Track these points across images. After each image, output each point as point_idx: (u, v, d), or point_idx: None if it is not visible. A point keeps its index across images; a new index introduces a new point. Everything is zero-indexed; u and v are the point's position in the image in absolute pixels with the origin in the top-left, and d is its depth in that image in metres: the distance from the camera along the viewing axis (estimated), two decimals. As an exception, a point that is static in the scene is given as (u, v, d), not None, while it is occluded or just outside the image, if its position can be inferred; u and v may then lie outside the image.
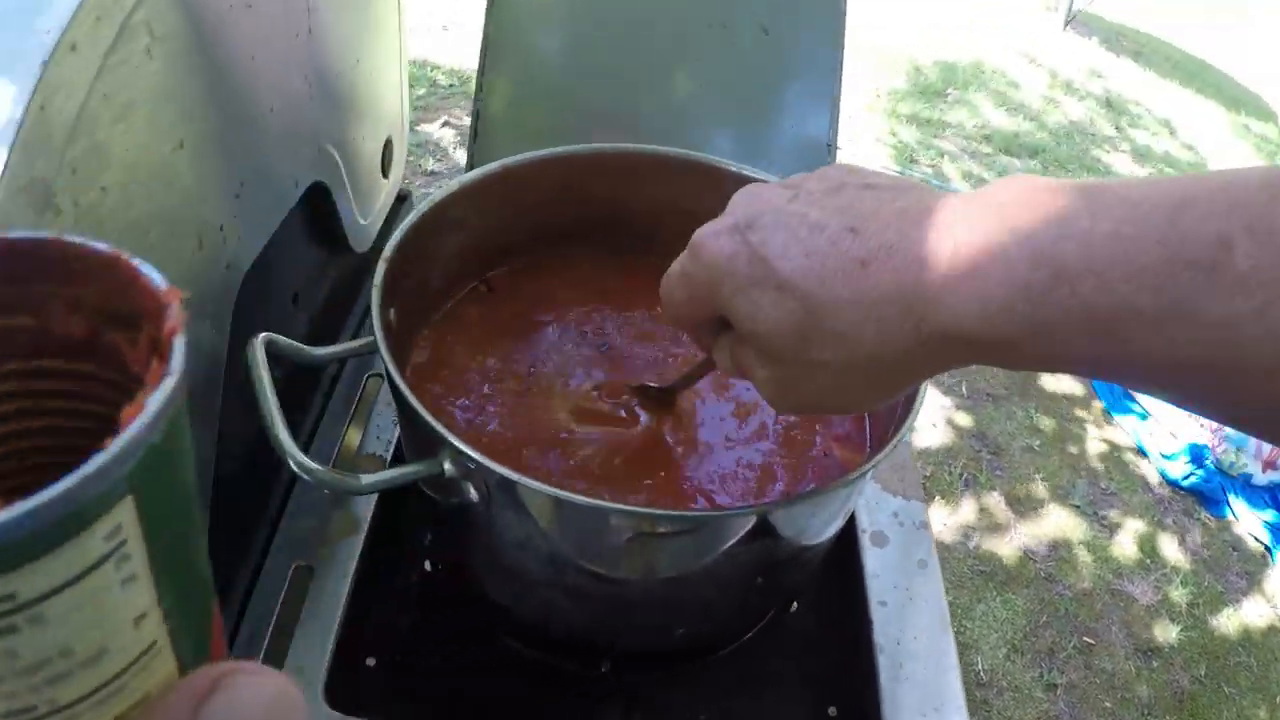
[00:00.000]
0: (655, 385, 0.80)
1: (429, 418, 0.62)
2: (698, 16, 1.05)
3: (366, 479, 0.65)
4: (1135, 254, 0.38)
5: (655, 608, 0.74)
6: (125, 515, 0.19)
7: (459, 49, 4.11)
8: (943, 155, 4.26)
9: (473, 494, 0.64)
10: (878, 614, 0.86)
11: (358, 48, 0.98)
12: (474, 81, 1.08)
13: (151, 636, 0.22)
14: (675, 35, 1.05)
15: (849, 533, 0.91)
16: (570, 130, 1.08)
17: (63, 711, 0.21)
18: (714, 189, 0.87)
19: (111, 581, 0.20)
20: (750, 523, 0.64)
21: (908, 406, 0.71)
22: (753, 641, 0.87)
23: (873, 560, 0.89)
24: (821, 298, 0.47)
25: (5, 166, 0.50)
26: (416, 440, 0.72)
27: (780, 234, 0.49)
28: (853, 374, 0.49)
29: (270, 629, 0.80)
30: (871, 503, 0.94)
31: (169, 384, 0.20)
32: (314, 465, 0.64)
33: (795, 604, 0.91)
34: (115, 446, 0.19)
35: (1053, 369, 0.45)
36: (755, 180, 0.86)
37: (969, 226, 0.43)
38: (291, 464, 0.64)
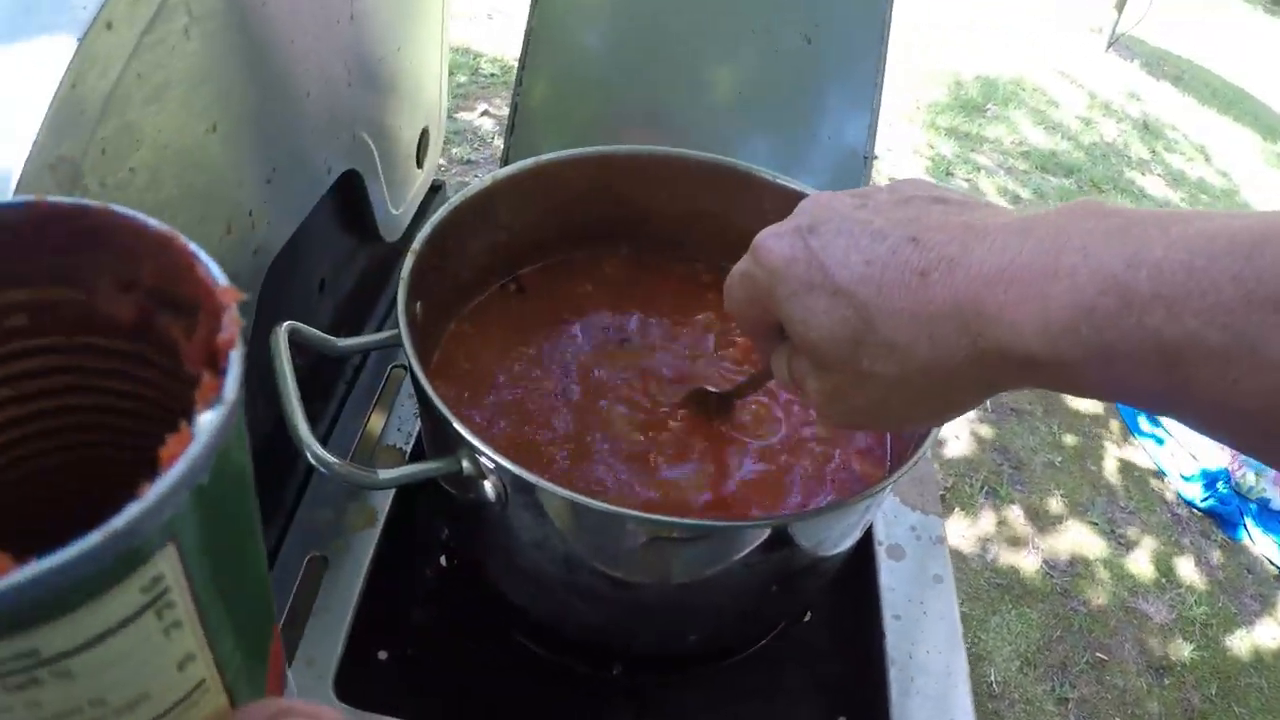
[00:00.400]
0: (715, 391, 0.80)
1: (449, 416, 0.62)
2: (740, 22, 1.04)
3: (384, 474, 0.65)
4: (1208, 288, 0.37)
5: (670, 612, 0.74)
6: (167, 564, 0.18)
7: (503, 37, 4.12)
8: (979, 170, 4.24)
9: (490, 493, 0.64)
10: (891, 627, 0.85)
11: (400, 34, 0.98)
12: (514, 73, 1.08)
13: (199, 676, 0.20)
14: (717, 39, 1.05)
15: (866, 545, 0.91)
16: (607, 129, 1.07)
17: None
18: (747, 195, 0.88)
19: (151, 631, 0.18)
20: (766, 534, 0.63)
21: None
22: (765, 649, 0.87)
23: (888, 573, 0.89)
24: (878, 306, 0.46)
25: (34, 143, 0.50)
26: (436, 437, 0.72)
27: (841, 239, 0.49)
28: (904, 389, 0.48)
29: (282, 619, 0.80)
30: (889, 516, 0.94)
31: (218, 415, 0.19)
32: (331, 458, 0.64)
33: (809, 614, 0.90)
34: (152, 495, 0.17)
35: (1111, 398, 0.44)
36: (789, 189, 0.86)
37: (1036, 245, 0.42)
38: (309, 456, 0.63)
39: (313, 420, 0.66)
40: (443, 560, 0.90)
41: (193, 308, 0.22)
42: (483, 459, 0.62)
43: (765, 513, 0.75)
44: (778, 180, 0.88)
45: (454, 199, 0.81)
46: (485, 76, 3.92)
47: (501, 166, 0.88)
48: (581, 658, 0.83)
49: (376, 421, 0.97)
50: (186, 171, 0.64)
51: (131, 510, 0.17)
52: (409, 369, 0.68)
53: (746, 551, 0.65)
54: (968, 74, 5.10)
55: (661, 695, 0.84)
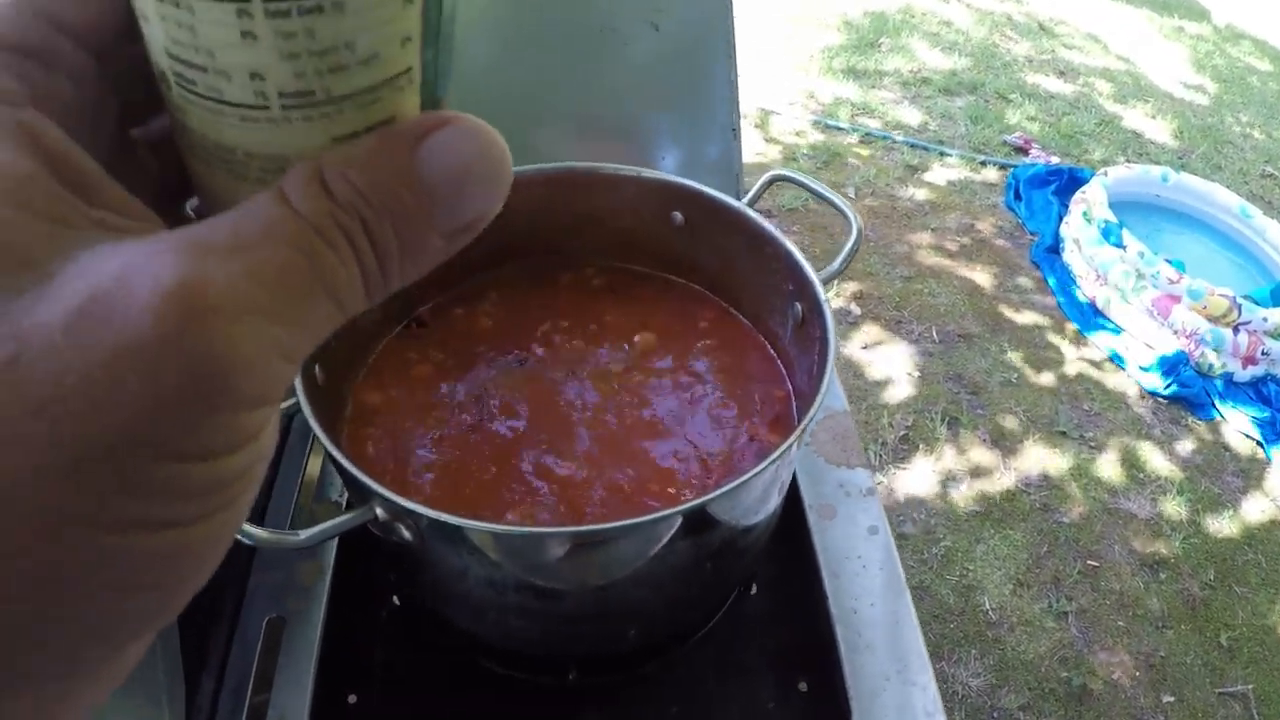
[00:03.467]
0: None
1: (349, 465, 0.64)
2: (586, 22, 1.06)
3: (305, 533, 0.67)
4: None
5: (602, 614, 0.76)
6: None
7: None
8: (884, 104, 4.26)
9: (407, 534, 0.66)
10: (831, 585, 0.88)
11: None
12: None
13: (409, 62, 0.24)
14: (566, 44, 1.07)
15: (795, 509, 0.94)
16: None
17: (332, 102, 0.23)
18: (614, 194, 0.90)
19: None
20: (676, 523, 0.66)
21: (819, 379, 0.73)
22: (716, 629, 0.89)
23: (820, 534, 0.92)
24: None
25: None
26: (351, 488, 0.74)
27: None
28: None
29: (250, 684, 0.82)
30: (814, 476, 0.96)
31: None
32: (252, 529, 0.66)
33: (755, 588, 0.93)
34: None
35: None
36: (652, 180, 0.89)
37: None
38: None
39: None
40: (395, 599, 0.92)
41: None
42: (389, 503, 0.64)
43: (681, 499, 0.77)
44: (642, 175, 0.90)
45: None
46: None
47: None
48: (538, 670, 0.86)
49: (313, 474, 0.99)
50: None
51: None
52: (313, 430, 0.70)
53: (660, 544, 0.67)
54: (855, 12, 5.10)
55: (624, 693, 0.86)
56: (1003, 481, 2.55)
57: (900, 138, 3.98)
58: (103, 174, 0.23)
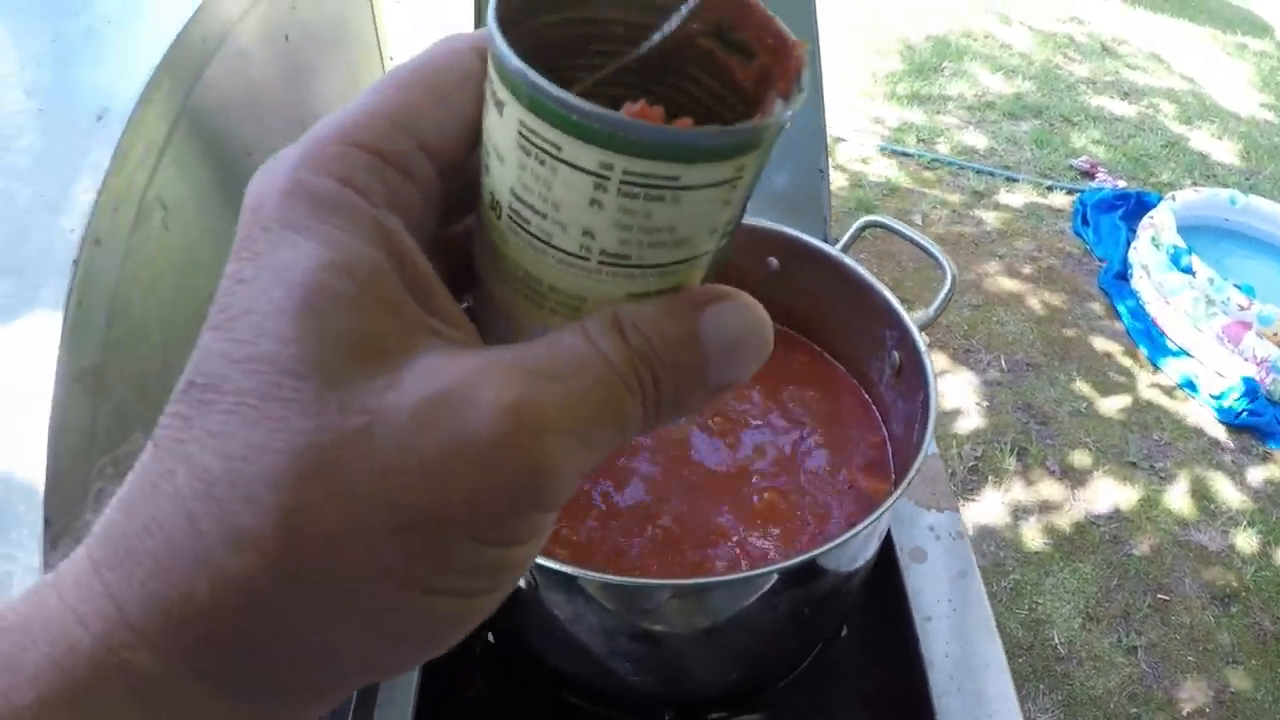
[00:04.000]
0: None
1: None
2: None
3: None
4: None
5: (708, 658, 0.77)
6: (749, 161, 0.25)
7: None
8: (949, 129, 4.25)
9: (520, 582, 0.68)
10: (923, 629, 0.88)
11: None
12: None
13: (708, 247, 0.28)
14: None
15: (888, 553, 0.94)
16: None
17: (641, 267, 0.27)
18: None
19: (720, 198, 0.26)
20: (774, 578, 0.67)
21: (923, 431, 0.74)
22: (808, 671, 0.90)
23: (913, 577, 0.92)
24: None
25: (58, 363, 0.55)
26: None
27: None
28: None
29: (350, 716, 0.84)
30: (906, 520, 0.97)
31: (801, 96, 0.26)
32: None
33: (845, 629, 0.94)
34: (775, 112, 0.26)
35: None
36: (753, 227, 0.90)
37: None
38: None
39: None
40: (489, 636, 0.94)
41: (753, 50, 0.29)
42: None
43: (780, 544, 0.78)
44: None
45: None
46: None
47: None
48: (632, 710, 0.87)
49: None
50: (192, 345, 0.68)
51: (770, 116, 0.26)
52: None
53: (765, 591, 0.68)
54: (915, 37, 5.09)
55: (717, 732, 0.87)
56: (1072, 513, 2.52)
57: (966, 163, 3.96)
58: (437, 281, 0.26)
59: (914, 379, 0.80)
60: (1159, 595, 2.33)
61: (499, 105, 0.25)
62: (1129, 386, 2.93)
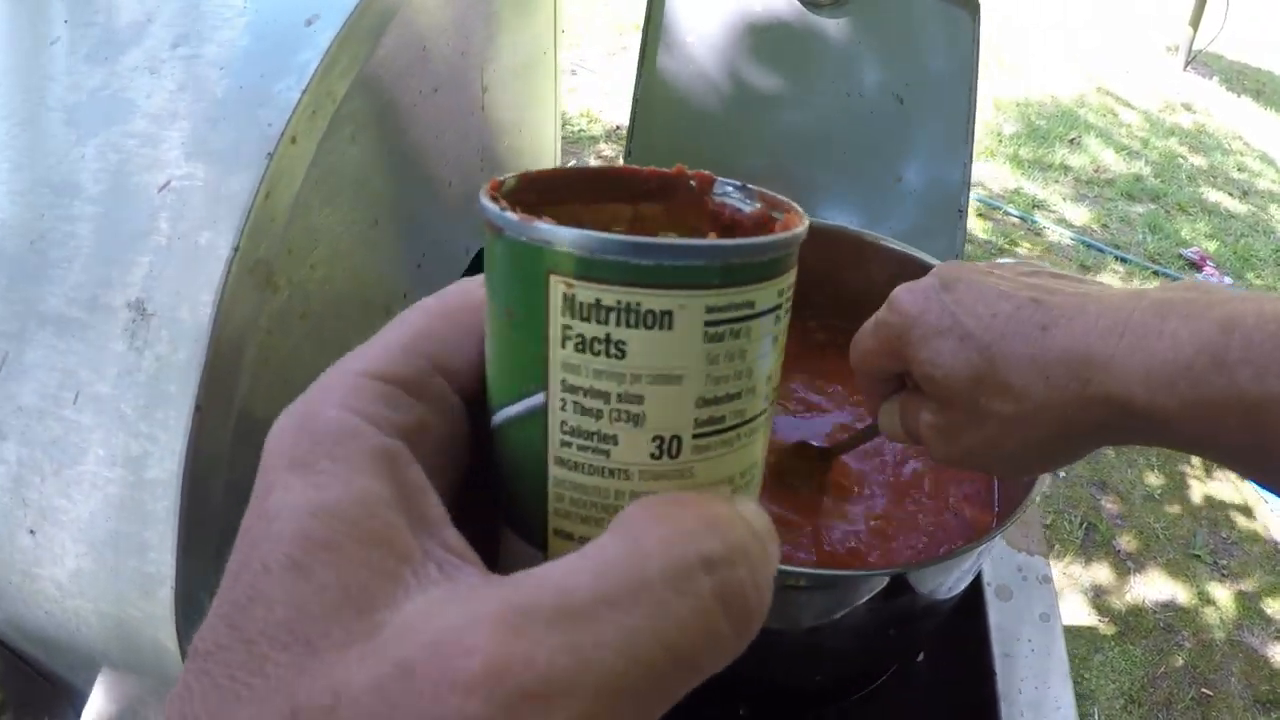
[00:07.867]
0: (816, 445, 0.86)
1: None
2: (832, 87, 1.10)
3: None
4: None
5: (799, 655, 0.80)
6: (788, 282, 0.25)
7: (587, 92, 4.18)
8: (1064, 200, 4.23)
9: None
10: (1000, 665, 0.90)
11: (521, 115, 1.06)
12: (600, 124, 1.14)
13: (766, 404, 0.26)
14: (813, 104, 1.11)
15: (975, 586, 0.96)
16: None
17: (738, 428, 0.25)
18: (857, 258, 0.94)
19: (770, 331, 0.25)
20: (886, 581, 0.70)
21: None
22: (880, 689, 0.92)
23: (996, 613, 0.94)
24: (1000, 350, 0.53)
25: (235, 249, 0.58)
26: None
27: (972, 295, 0.56)
28: (1017, 428, 0.54)
29: None
30: (997, 557, 0.99)
31: (805, 225, 0.26)
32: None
33: (921, 654, 0.96)
34: (801, 225, 0.25)
35: (1201, 452, 0.50)
36: (894, 251, 0.93)
37: (1145, 309, 0.49)
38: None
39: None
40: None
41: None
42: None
43: (885, 562, 0.80)
44: (884, 243, 0.94)
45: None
46: (573, 131, 3.98)
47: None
48: (708, 700, 0.89)
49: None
50: (354, 263, 0.71)
51: (798, 229, 0.25)
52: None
53: (869, 597, 0.71)
54: (1043, 101, 5.09)
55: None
56: (1130, 595, 2.51)
57: (1073, 237, 3.94)
58: (444, 514, 0.25)
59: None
60: (1203, 689, 2.32)
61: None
62: (1203, 480, 2.90)
